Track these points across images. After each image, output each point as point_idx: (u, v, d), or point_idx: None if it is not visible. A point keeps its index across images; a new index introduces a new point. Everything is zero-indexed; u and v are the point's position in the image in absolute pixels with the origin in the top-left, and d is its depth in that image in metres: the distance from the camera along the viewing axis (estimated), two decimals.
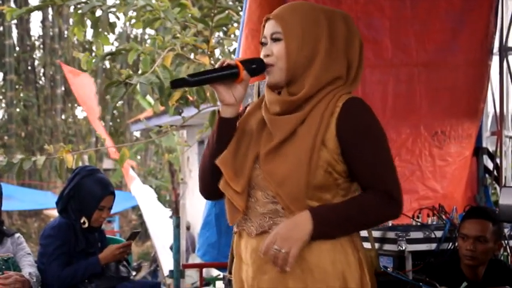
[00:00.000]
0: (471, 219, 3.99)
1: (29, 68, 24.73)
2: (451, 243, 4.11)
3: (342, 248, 2.56)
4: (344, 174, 2.58)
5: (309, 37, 2.59)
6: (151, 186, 14.68)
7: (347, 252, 2.57)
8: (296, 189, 2.51)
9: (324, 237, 2.52)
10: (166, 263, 9.26)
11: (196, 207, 14.34)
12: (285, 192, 2.52)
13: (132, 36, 23.90)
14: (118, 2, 6.30)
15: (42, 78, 24.96)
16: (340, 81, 2.62)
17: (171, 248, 7.92)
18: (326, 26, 2.60)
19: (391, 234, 4.11)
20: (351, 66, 2.65)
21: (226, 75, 2.64)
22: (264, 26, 2.68)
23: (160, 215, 11.00)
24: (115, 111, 25.16)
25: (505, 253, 4.32)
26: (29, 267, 4.51)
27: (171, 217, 8.67)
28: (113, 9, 6.35)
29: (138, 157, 23.65)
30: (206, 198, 2.86)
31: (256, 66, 2.67)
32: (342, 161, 2.56)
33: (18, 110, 23.46)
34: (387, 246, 4.13)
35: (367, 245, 3.93)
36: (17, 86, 23.51)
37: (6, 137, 22.83)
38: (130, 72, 5.64)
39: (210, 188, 2.74)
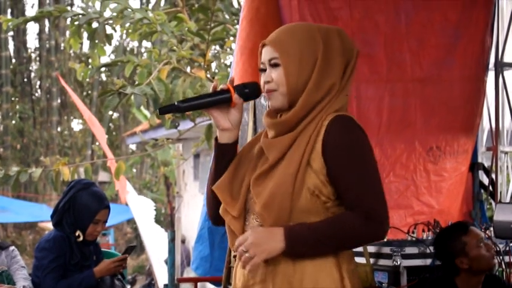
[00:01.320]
0: (471, 228, 3.99)
1: (25, 80, 24.78)
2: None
3: (325, 267, 2.50)
4: (332, 197, 2.51)
5: (307, 59, 2.55)
6: None
7: (330, 272, 2.50)
8: (280, 213, 2.47)
9: (298, 256, 2.48)
10: (161, 277, 9.23)
11: (191, 220, 14.32)
12: (269, 215, 2.49)
13: (128, 49, 23.94)
14: (115, 14, 6.31)
15: (38, 91, 24.99)
16: (329, 95, 2.56)
17: (166, 262, 7.90)
18: (322, 45, 2.57)
19: (386, 249, 4.11)
20: (342, 78, 2.61)
21: (217, 100, 2.63)
22: (261, 53, 2.66)
23: (155, 228, 10.98)
24: (111, 124, 25.18)
25: (500, 269, 4.30)
26: (23, 281, 4.49)
27: (170, 229, 8.64)
28: (110, 22, 6.37)
29: (134, 170, 23.64)
30: (214, 223, 2.81)
31: (249, 91, 2.66)
32: (329, 182, 2.50)
33: (13, 122, 23.46)
34: (382, 261, 4.12)
35: (362, 260, 3.93)
36: (12, 98, 23.51)
37: (1, 149, 22.82)
38: (125, 82, 5.65)
39: (214, 213, 2.71)
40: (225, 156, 2.68)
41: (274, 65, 2.59)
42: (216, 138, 2.71)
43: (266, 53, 2.62)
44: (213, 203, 2.71)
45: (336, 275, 2.51)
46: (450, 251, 3.98)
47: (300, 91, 2.56)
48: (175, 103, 2.63)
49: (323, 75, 2.56)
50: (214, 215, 2.73)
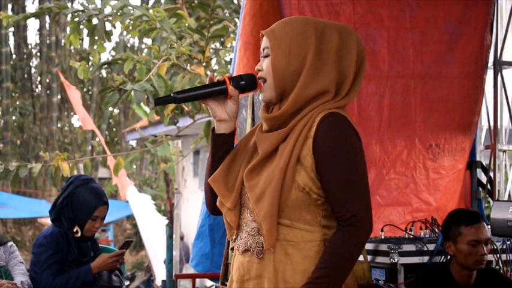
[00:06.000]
0: (475, 224, 3.94)
1: (26, 76, 24.74)
2: (443, 256, 4.11)
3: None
4: (323, 194, 2.50)
5: (296, 52, 2.56)
6: None
7: None
8: (269, 208, 2.47)
9: None
10: (160, 273, 9.25)
11: (190, 217, 14.35)
12: (259, 210, 2.49)
13: (128, 45, 23.94)
14: (115, 11, 6.31)
15: (39, 86, 24.98)
16: (328, 95, 2.55)
17: (165, 262, 7.92)
18: (314, 39, 2.56)
19: (383, 247, 4.11)
20: (344, 80, 2.59)
21: (213, 91, 2.65)
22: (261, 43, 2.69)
23: (155, 224, 10.97)
24: (111, 120, 25.20)
25: (497, 266, 4.31)
26: (21, 276, 4.50)
27: (167, 225, 8.71)
28: (110, 18, 6.37)
29: (134, 166, 23.65)
30: (211, 213, 2.82)
31: (245, 83, 2.67)
32: (319, 180, 2.50)
33: (14, 117, 23.45)
34: (379, 259, 4.13)
35: (359, 258, 3.94)
36: (13, 94, 23.51)
37: (1, 145, 22.82)
38: (125, 79, 5.66)
39: (212, 204, 2.73)
40: (222, 147, 2.70)
41: (266, 55, 2.62)
42: (213, 129, 2.72)
43: (262, 43, 2.65)
44: (210, 194, 2.72)
45: None
46: (447, 231, 4.00)
47: (289, 84, 2.56)
48: (172, 94, 2.65)
49: (316, 70, 2.55)
50: (211, 206, 2.75)
